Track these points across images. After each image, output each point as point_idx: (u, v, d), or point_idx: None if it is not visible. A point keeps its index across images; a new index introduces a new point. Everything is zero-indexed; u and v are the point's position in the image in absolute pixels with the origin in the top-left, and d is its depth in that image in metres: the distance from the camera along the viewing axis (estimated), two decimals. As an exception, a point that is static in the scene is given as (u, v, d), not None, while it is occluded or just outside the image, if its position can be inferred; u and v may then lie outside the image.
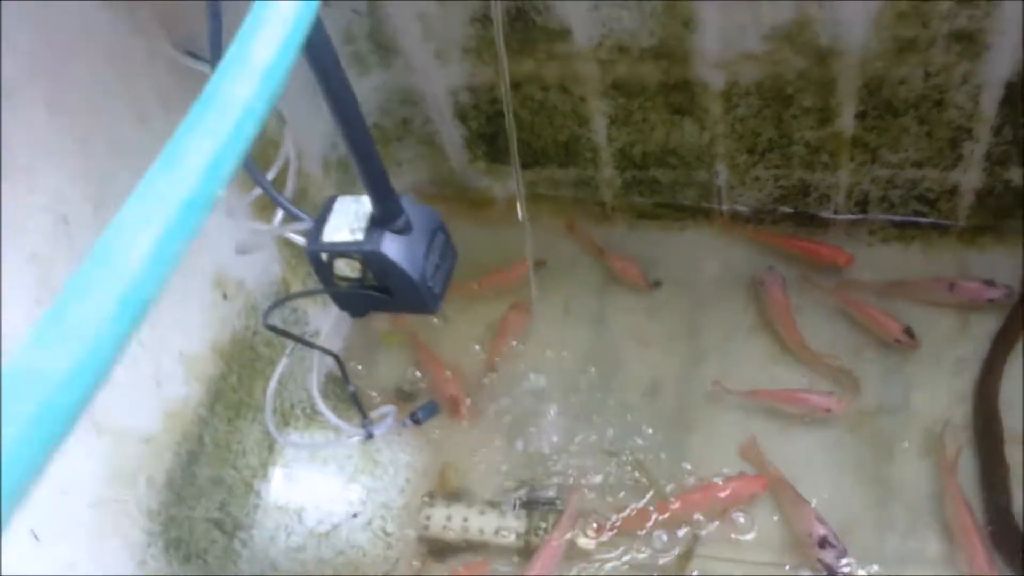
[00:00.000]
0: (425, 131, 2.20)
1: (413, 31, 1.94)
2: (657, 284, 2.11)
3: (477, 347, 2.12)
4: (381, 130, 2.21)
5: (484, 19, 1.86)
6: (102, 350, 0.34)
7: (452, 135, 2.19)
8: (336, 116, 0.85)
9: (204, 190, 0.35)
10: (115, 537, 1.46)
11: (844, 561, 1.67)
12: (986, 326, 1.93)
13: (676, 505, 1.80)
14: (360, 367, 2.11)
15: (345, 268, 1.03)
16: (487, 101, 2.07)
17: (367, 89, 2.10)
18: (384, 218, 0.99)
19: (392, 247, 0.99)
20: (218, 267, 1.70)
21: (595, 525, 1.80)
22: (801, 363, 1.96)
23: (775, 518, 1.78)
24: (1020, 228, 2.04)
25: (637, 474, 1.87)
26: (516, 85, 2.00)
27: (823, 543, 1.67)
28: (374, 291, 1.04)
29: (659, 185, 2.16)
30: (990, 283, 1.94)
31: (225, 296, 1.73)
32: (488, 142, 2.18)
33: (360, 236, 1.00)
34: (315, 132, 1.97)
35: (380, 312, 1.10)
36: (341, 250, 1.01)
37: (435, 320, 2.11)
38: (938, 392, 1.88)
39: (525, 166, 2.20)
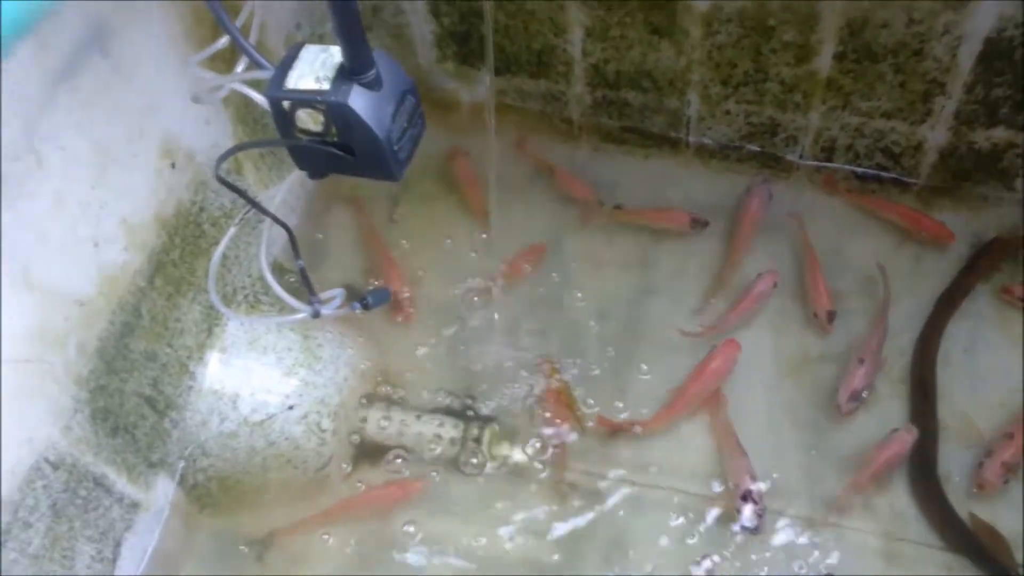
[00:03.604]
0: (396, 23, 2.11)
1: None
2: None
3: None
4: (351, 19, 2.12)
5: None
6: None
7: (423, 30, 2.11)
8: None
9: None
10: (39, 399, 1.40)
11: (760, 517, 1.70)
12: (932, 284, 1.96)
13: (687, 395, 1.82)
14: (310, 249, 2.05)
15: (308, 120, 0.97)
16: (463, -4, 1.99)
17: (341, -27, 2.00)
18: (354, 69, 0.94)
19: (359, 101, 0.94)
20: (167, 134, 1.62)
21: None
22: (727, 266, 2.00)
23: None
24: (976, 192, 2.06)
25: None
26: (494, -17, 1.93)
27: (746, 497, 1.70)
28: (336, 148, 0.99)
29: (629, 108, 2.12)
30: None
31: (173, 166, 1.65)
32: (459, 42, 2.10)
33: (326, 85, 0.94)
34: (281, 8, 1.88)
35: (340, 174, 1.05)
36: (304, 99, 0.95)
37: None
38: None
39: (495, 72, 2.14)
